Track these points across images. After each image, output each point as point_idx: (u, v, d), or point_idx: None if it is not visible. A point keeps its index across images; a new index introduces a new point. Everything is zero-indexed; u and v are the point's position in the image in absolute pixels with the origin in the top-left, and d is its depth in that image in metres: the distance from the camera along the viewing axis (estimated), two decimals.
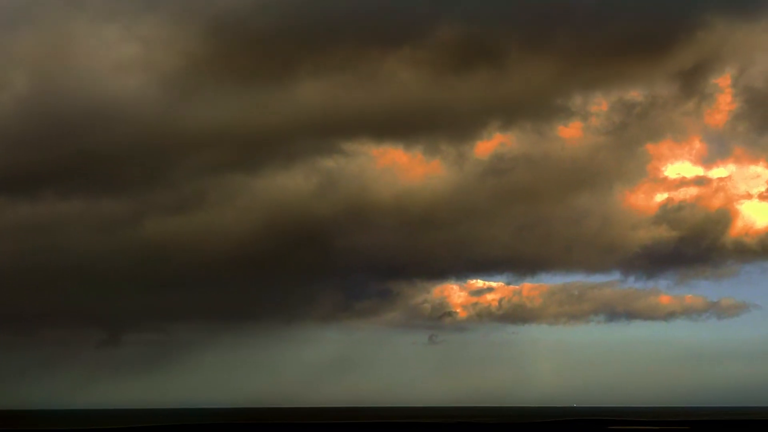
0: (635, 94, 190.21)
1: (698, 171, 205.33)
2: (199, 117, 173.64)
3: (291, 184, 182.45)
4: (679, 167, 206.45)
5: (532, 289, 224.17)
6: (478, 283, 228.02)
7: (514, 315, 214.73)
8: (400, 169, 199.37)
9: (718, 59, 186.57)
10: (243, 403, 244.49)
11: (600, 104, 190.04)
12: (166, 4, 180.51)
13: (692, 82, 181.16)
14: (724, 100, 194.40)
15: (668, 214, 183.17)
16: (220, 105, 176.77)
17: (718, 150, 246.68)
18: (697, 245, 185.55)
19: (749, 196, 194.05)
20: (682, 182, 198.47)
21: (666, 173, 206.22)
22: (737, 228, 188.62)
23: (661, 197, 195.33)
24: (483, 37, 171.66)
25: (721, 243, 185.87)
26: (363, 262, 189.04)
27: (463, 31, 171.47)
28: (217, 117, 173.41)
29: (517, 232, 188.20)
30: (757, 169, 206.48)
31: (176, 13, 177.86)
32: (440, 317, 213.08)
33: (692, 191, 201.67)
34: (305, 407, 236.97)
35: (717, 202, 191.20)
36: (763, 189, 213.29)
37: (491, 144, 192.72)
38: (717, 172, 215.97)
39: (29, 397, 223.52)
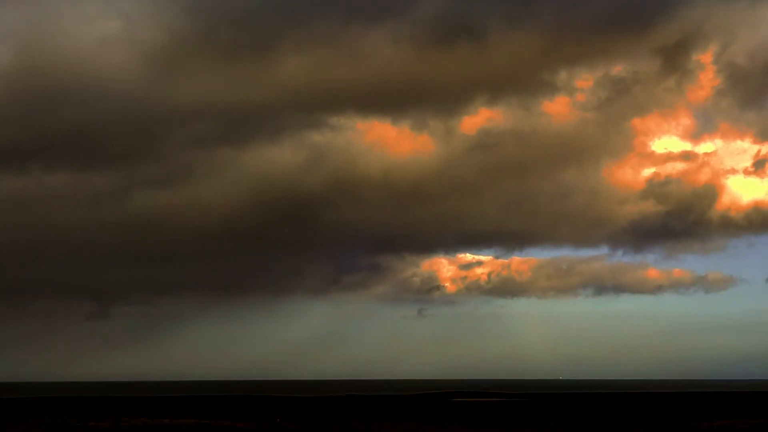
0: (620, 69, 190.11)
1: (685, 146, 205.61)
2: (183, 92, 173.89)
3: (279, 158, 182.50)
4: (666, 142, 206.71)
5: (521, 263, 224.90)
6: (467, 257, 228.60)
7: (503, 289, 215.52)
8: (388, 144, 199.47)
9: (701, 36, 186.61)
10: (231, 375, 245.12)
11: (585, 79, 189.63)
12: None
13: (674, 58, 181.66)
14: (706, 76, 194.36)
15: (655, 188, 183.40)
16: (203, 80, 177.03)
17: (704, 125, 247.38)
18: (684, 220, 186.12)
19: (735, 171, 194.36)
20: (669, 157, 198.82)
21: (653, 148, 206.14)
22: (724, 203, 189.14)
23: (648, 172, 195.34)
24: (464, 14, 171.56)
25: (707, 218, 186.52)
26: (352, 236, 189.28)
27: (445, 8, 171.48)
28: (201, 92, 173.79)
29: (504, 206, 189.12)
30: (744, 144, 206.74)
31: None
32: (429, 291, 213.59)
33: (679, 166, 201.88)
34: (294, 380, 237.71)
35: (703, 177, 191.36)
36: (748, 164, 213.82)
37: (478, 119, 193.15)
38: (703, 147, 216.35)
39: (17, 369, 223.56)
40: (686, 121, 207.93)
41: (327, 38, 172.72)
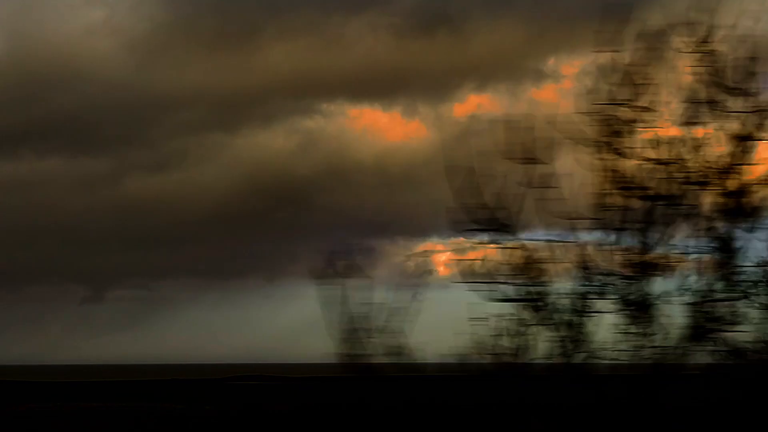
0: (605, 56, 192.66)
1: (675, 132, 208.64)
2: (168, 79, 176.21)
3: (271, 143, 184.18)
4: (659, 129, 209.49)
5: (516, 247, 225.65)
6: (461, 240, 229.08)
7: (498, 272, 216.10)
8: (380, 129, 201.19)
9: (685, 24, 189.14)
10: (227, 358, 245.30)
11: (571, 67, 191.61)
12: None
13: (658, 45, 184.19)
14: (689, 63, 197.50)
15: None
16: (188, 68, 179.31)
17: (693, 112, 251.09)
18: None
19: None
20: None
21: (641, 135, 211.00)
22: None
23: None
24: (445, 3, 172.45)
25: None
26: (345, 221, 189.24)
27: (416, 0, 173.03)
28: (186, 79, 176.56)
29: (498, 191, 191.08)
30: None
31: None
32: (423, 275, 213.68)
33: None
34: (289, 363, 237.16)
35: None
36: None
37: (468, 105, 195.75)
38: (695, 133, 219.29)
39: (12, 352, 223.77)
40: (675, 106, 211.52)
41: (308, 28, 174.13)
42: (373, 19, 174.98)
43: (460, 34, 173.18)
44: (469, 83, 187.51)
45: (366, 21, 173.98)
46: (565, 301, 7.63)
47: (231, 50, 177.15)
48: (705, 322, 7.23)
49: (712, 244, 7.30)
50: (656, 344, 7.38)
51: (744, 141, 7.31)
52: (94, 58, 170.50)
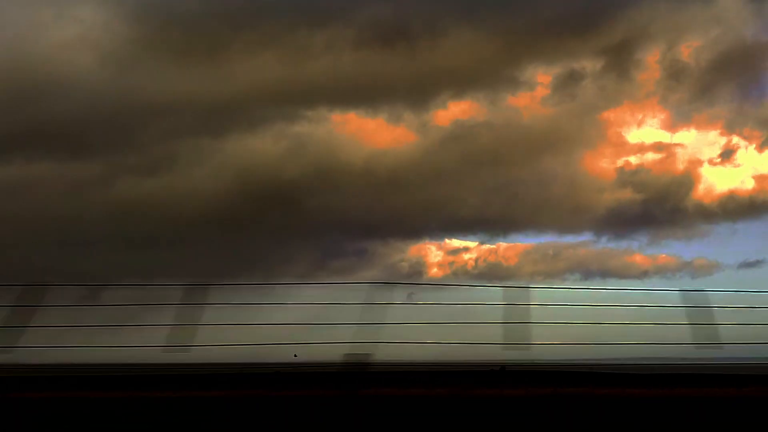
0: (576, 66, 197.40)
1: (659, 136, 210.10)
2: (148, 89, 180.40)
3: (260, 147, 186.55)
4: (637, 134, 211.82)
5: (507, 248, 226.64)
6: (454, 242, 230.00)
7: (491, 274, 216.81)
8: (367, 135, 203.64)
9: (647, 37, 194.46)
10: (221, 358, 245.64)
11: (545, 75, 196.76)
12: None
13: (621, 56, 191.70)
14: (651, 75, 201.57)
15: (628, 177, 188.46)
16: (165, 78, 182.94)
17: (677, 117, 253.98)
18: (661, 208, 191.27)
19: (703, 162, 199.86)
20: (641, 148, 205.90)
21: (623, 139, 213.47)
22: (699, 191, 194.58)
23: (620, 162, 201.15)
24: (409, 16, 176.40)
25: (684, 206, 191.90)
26: (336, 223, 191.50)
27: (387, 11, 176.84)
28: (165, 89, 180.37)
29: (485, 195, 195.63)
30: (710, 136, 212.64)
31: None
32: (418, 275, 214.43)
33: (651, 156, 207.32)
34: (284, 363, 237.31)
35: (674, 167, 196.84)
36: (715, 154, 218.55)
37: (449, 112, 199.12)
38: (677, 137, 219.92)
39: (5, 352, 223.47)
40: (660, 114, 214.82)
41: (273, 41, 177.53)
42: (337, 31, 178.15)
43: (434, 44, 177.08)
44: (448, 91, 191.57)
45: (330, 34, 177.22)
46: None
47: (204, 61, 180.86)
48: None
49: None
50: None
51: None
52: (74, 70, 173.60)
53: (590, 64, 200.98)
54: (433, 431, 11.54)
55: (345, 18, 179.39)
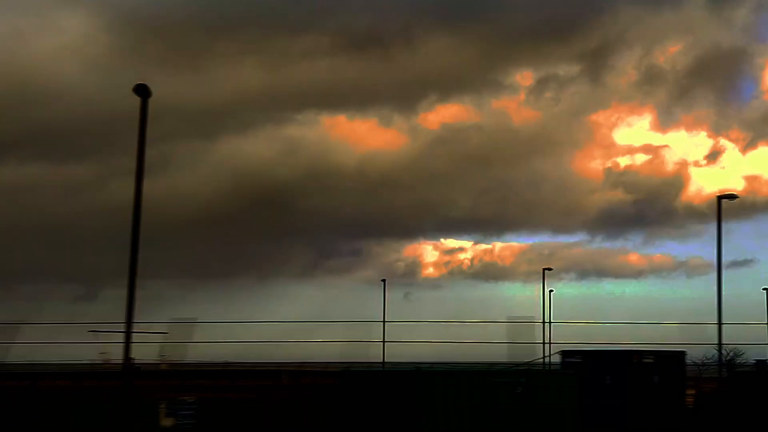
0: (557, 70, 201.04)
1: (647, 138, 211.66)
2: (134, 95, 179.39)
3: (253, 149, 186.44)
4: (623, 136, 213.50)
5: (503, 248, 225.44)
6: (450, 242, 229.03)
7: (487, 273, 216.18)
8: (359, 137, 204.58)
9: (623, 43, 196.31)
10: (219, 357, 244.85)
11: (529, 79, 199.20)
12: (89, 4, 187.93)
13: (599, 61, 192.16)
14: (632, 78, 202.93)
15: (617, 179, 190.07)
16: (152, 85, 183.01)
17: (664, 120, 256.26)
18: (652, 208, 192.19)
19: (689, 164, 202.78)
20: (630, 149, 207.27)
21: (611, 141, 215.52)
22: (689, 192, 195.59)
23: (609, 163, 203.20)
24: (387, 23, 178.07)
25: (675, 206, 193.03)
26: (331, 224, 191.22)
27: (363, 19, 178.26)
28: (155, 94, 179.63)
29: (476, 196, 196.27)
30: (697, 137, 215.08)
31: (89, 10, 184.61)
32: (413, 275, 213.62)
33: (639, 157, 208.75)
34: (282, 362, 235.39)
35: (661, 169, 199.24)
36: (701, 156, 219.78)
37: (437, 116, 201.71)
38: (665, 139, 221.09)
39: (4, 350, 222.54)
40: (647, 116, 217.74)
41: (252, 48, 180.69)
42: (315, 39, 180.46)
43: (412, 51, 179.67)
44: (433, 95, 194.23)
45: (309, 41, 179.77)
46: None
47: (186, 69, 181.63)
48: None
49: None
50: None
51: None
52: (59, 79, 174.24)
53: (572, 68, 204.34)
54: None
55: (323, 25, 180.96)
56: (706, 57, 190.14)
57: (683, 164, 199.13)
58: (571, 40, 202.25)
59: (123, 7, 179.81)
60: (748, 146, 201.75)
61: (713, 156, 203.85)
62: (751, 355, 41.01)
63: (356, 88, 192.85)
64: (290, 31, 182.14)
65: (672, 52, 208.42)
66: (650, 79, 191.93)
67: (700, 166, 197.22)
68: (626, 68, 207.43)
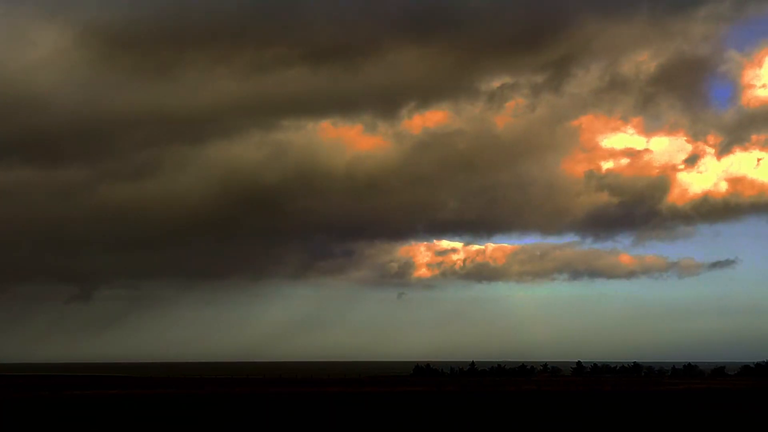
0: (534, 78, 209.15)
1: (631, 142, 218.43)
2: (119, 103, 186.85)
3: (243, 154, 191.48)
4: (607, 140, 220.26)
5: (495, 249, 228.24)
6: (443, 243, 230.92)
7: (480, 274, 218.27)
8: (346, 142, 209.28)
9: (589, 52, 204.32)
10: (213, 357, 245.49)
11: (504, 87, 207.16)
12: (58, 19, 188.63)
13: (565, 70, 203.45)
14: (595, 85, 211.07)
15: (602, 182, 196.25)
16: (133, 93, 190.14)
17: (651, 124, 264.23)
18: (637, 211, 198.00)
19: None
20: (612, 153, 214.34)
21: (594, 145, 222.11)
22: (673, 195, 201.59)
23: (593, 167, 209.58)
24: (360, 34, 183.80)
25: (658, 209, 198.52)
26: (321, 225, 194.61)
27: (337, 29, 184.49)
28: (136, 102, 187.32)
29: (464, 198, 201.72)
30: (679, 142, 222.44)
31: (61, 24, 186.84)
32: (407, 276, 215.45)
33: (622, 161, 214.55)
34: (275, 361, 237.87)
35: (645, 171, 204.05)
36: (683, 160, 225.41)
37: (419, 121, 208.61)
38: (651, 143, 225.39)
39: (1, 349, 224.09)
40: (630, 122, 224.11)
41: (222, 59, 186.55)
42: (284, 51, 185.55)
43: (386, 60, 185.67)
44: (413, 101, 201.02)
45: (277, 52, 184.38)
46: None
47: (160, 78, 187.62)
48: None
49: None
50: None
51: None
52: (47, 87, 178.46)
53: (545, 76, 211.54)
54: None
55: (292, 37, 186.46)
56: (678, 65, 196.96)
57: (665, 168, 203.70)
58: (540, 50, 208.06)
59: (93, 22, 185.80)
60: (722, 151, 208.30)
61: (692, 160, 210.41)
62: None
63: (340, 95, 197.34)
64: (258, 44, 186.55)
65: (642, 60, 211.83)
66: (618, 85, 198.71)
67: (681, 170, 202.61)
68: (602, 75, 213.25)
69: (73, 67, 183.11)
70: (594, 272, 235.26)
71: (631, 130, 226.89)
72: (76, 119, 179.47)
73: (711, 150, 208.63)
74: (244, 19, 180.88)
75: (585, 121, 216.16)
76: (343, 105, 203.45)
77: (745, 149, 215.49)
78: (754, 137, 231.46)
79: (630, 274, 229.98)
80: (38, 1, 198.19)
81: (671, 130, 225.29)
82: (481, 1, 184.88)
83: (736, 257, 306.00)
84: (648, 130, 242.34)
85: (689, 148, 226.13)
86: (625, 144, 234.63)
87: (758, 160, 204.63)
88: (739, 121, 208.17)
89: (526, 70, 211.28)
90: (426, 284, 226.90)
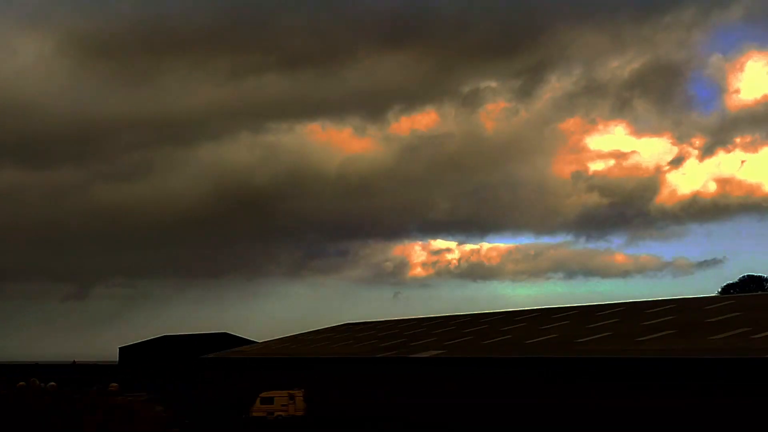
0: (514, 83, 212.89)
1: (615, 144, 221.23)
2: (108, 106, 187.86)
3: (234, 156, 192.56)
4: (594, 142, 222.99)
5: (490, 249, 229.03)
6: (437, 242, 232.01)
7: (475, 273, 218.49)
8: (337, 144, 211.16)
9: (564, 59, 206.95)
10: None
11: (486, 90, 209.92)
12: (38, 29, 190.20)
13: (539, 76, 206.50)
14: (568, 90, 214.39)
15: (591, 183, 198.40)
16: (121, 96, 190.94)
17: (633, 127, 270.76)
18: (628, 212, 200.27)
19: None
20: (600, 155, 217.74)
21: (581, 146, 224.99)
22: (663, 195, 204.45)
23: (580, 168, 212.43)
24: (334, 40, 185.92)
25: (648, 209, 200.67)
26: (315, 225, 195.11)
27: (312, 36, 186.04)
28: (125, 105, 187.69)
29: (454, 198, 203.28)
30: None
31: (41, 33, 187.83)
32: (402, 275, 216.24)
33: (610, 162, 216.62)
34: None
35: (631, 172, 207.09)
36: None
37: (406, 124, 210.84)
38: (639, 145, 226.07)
39: None
40: (616, 124, 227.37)
41: (195, 66, 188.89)
42: (258, 57, 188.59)
43: (361, 65, 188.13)
44: (398, 105, 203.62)
45: (251, 59, 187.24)
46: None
47: (140, 84, 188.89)
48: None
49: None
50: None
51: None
52: (23, 96, 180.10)
53: (524, 80, 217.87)
54: None
55: (266, 43, 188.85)
56: (657, 69, 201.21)
57: (653, 169, 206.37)
58: (517, 54, 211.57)
59: (72, 31, 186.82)
60: (705, 153, 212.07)
61: (677, 161, 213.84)
62: None
63: (321, 100, 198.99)
64: (235, 50, 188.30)
65: (617, 66, 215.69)
66: (599, 89, 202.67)
67: (668, 171, 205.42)
68: (578, 79, 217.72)
69: (55, 75, 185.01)
70: (589, 271, 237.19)
71: (617, 132, 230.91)
72: (62, 123, 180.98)
73: (695, 152, 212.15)
74: (220, 26, 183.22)
75: (571, 123, 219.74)
76: (326, 110, 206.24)
77: (729, 151, 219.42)
78: (737, 139, 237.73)
79: (624, 273, 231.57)
80: (18, 11, 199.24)
81: (656, 132, 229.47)
82: (453, 7, 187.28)
83: (724, 256, 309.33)
84: (634, 132, 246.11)
85: (675, 150, 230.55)
86: (612, 146, 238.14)
87: (742, 161, 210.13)
88: (722, 124, 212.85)
89: (505, 74, 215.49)
90: (421, 283, 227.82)
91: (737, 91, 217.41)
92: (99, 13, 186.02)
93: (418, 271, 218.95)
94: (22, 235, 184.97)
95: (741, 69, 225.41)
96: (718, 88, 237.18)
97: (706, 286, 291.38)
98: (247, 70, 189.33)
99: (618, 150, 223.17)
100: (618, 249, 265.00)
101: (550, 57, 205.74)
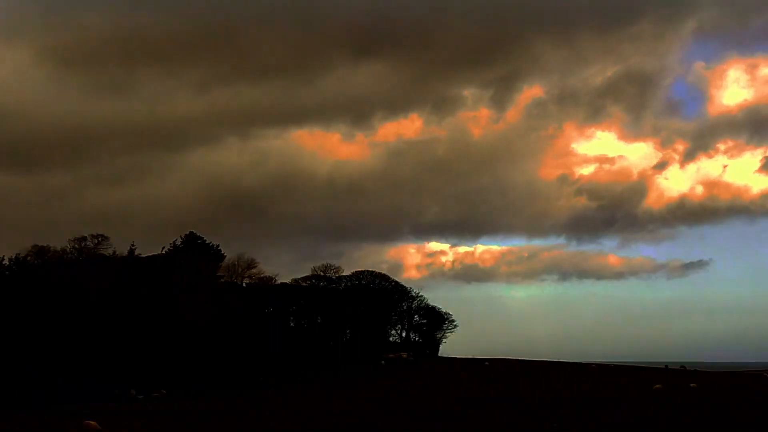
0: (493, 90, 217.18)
1: (601, 149, 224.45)
2: (97, 112, 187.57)
3: (226, 160, 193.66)
4: (581, 147, 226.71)
5: (484, 251, 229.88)
6: (431, 245, 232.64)
7: (469, 275, 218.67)
8: (327, 149, 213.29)
9: (539, 70, 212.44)
10: None
11: (468, 97, 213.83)
12: (15, 41, 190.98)
13: (510, 86, 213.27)
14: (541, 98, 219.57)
15: (579, 187, 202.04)
16: (109, 102, 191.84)
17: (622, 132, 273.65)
18: (616, 215, 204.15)
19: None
20: (586, 159, 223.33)
21: (568, 151, 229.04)
22: (650, 198, 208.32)
23: (568, 172, 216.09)
24: (307, 50, 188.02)
25: (636, 212, 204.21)
26: (308, 228, 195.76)
27: (284, 46, 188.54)
28: (113, 111, 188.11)
29: (445, 202, 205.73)
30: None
31: (18, 43, 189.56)
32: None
33: (597, 167, 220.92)
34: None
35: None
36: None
37: (391, 130, 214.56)
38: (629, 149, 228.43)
39: None
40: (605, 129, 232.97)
41: (172, 73, 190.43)
42: (234, 64, 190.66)
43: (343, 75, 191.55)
44: (380, 112, 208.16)
45: (224, 68, 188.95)
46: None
47: (119, 92, 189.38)
48: None
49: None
50: None
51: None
52: (17, 102, 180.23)
53: (503, 87, 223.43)
54: None
55: (240, 54, 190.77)
56: (634, 76, 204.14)
57: (639, 173, 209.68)
58: (494, 63, 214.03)
59: (49, 42, 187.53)
60: (686, 159, 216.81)
61: (661, 165, 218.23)
62: None
63: (297, 108, 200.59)
64: (207, 60, 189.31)
65: (592, 73, 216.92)
66: (581, 96, 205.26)
67: (652, 175, 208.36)
68: (562, 85, 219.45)
69: (34, 84, 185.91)
70: (582, 273, 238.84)
71: (603, 137, 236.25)
72: (47, 129, 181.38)
73: (677, 156, 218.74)
74: (195, 36, 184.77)
75: (557, 129, 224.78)
76: (301, 118, 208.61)
77: (710, 156, 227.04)
78: (719, 145, 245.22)
79: (618, 275, 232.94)
80: None
81: (641, 137, 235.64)
82: (423, 17, 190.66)
83: (711, 258, 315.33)
84: (620, 137, 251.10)
85: (659, 155, 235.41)
86: (598, 150, 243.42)
87: (724, 166, 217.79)
88: (702, 131, 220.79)
89: (480, 82, 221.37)
90: (416, 285, 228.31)
91: (720, 98, 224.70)
92: (73, 25, 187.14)
93: (413, 273, 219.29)
94: (11, 238, 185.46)
95: (723, 77, 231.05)
96: (702, 96, 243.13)
97: (699, 286, 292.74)
98: (219, 79, 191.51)
99: (604, 155, 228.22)
100: (610, 251, 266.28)
101: (524, 66, 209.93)
